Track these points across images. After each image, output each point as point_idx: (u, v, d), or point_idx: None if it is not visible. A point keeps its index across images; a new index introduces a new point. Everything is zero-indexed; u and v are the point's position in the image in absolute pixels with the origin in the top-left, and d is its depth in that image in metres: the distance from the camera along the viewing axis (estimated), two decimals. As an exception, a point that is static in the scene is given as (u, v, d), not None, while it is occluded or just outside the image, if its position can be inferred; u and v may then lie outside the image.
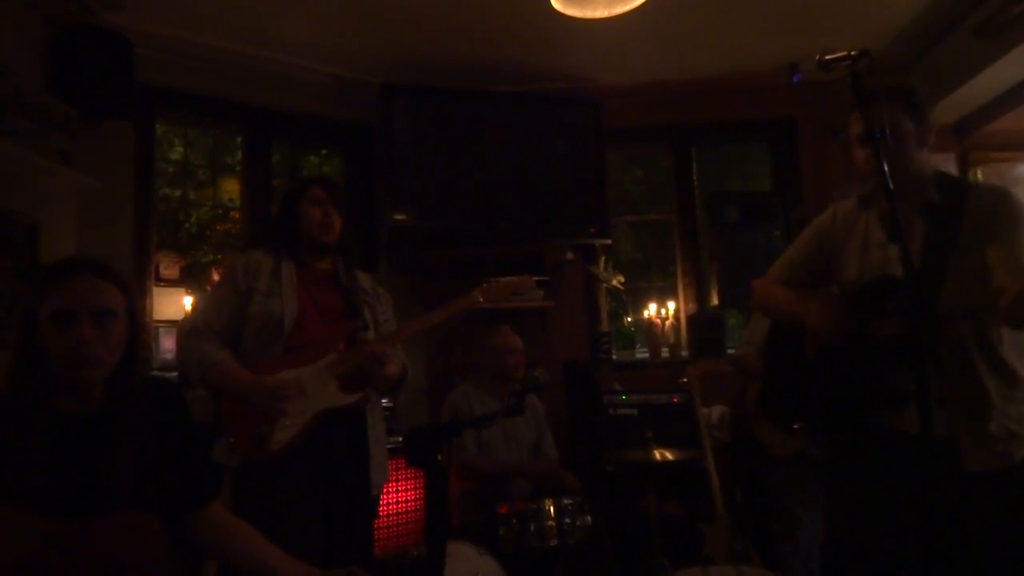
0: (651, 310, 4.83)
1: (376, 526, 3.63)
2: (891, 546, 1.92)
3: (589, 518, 3.05)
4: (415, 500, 3.77)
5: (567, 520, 3.01)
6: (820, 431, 2.81)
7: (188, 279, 4.21)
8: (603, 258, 4.80)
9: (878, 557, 1.94)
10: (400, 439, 3.55)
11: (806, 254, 2.24)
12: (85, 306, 1.51)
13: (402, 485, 3.74)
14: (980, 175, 4.60)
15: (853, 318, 1.93)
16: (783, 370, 2.22)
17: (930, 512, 1.82)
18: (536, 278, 4.29)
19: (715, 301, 4.56)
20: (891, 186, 1.66)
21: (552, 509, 3.01)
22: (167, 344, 3.97)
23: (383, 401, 2.77)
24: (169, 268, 4.12)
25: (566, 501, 3.05)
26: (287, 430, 2.29)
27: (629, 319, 5.08)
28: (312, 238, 2.51)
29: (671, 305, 4.82)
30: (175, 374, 3.83)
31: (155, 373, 3.89)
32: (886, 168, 1.67)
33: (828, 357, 2.01)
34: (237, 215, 4.71)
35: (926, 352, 1.77)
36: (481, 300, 2.58)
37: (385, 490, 3.69)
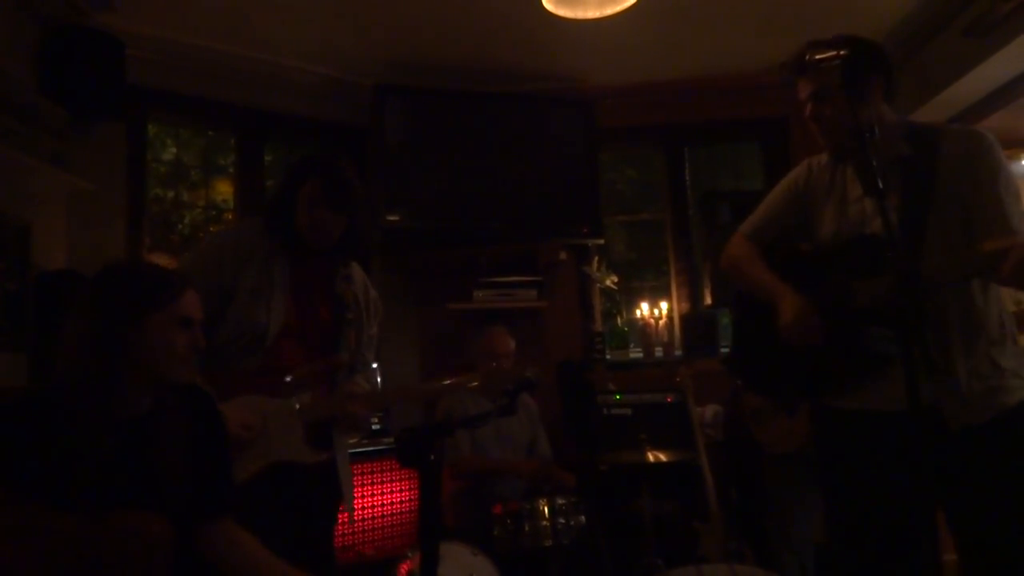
0: (644, 310, 4.84)
1: (370, 527, 3.65)
2: (888, 530, 1.91)
3: (583, 518, 3.06)
4: (409, 501, 3.78)
5: (561, 520, 3.01)
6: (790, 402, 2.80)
7: (181, 281, 4.19)
8: (596, 258, 4.81)
9: (877, 542, 1.92)
10: (392, 439, 3.56)
11: (780, 210, 2.19)
12: (199, 318, 1.70)
13: (395, 486, 3.75)
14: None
15: (826, 322, 1.90)
16: (753, 336, 2.18)
17: (923, 482, 1.79)
18: (526, 279, 4.35)
19: (708, 300, 4.57)
20: (868, 139, 1.64)
21: (546, 509, 3.02)
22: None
23: None
24: (161, 270, 4.11)
25: (560, 501, 3.05)
26: (240, 472, 2.03)
27: (622, 319, 5.07)
28: (304, 239, 2.25)
29: (664, 305, 4.83)
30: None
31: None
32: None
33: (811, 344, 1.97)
34: (230, 216, 4.70)
35: (911, 314, 1.74)
36: (481, 380, 2.39)
37: (378, 491, 3.71)
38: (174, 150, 4.85)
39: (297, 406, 2.15)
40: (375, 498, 3.68)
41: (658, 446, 3.27)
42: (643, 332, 4.82)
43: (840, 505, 2.04)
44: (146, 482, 1.58)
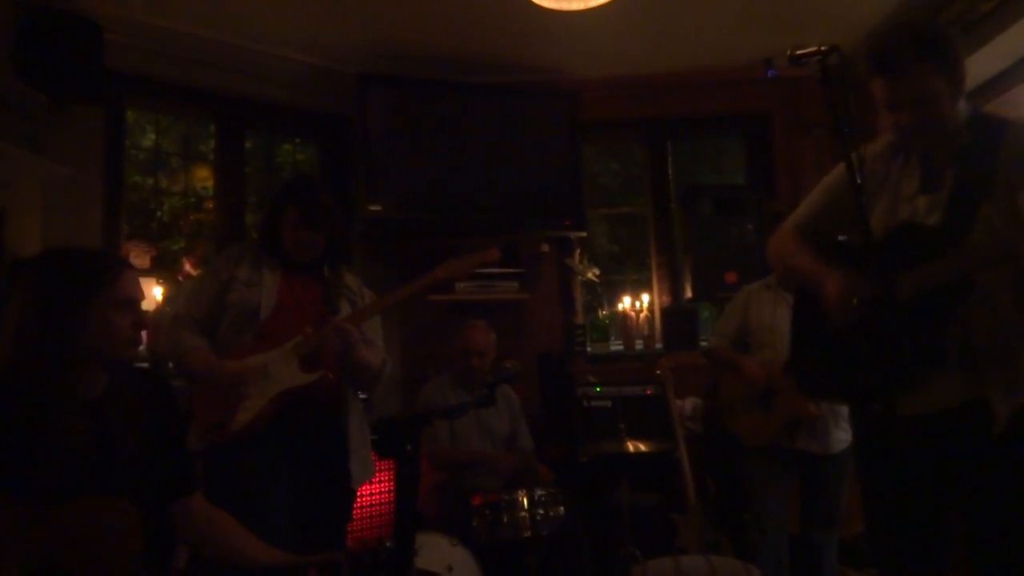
0: (625, 303, 4.85)
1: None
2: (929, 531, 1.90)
3: (562, 509, 3.07)
4: (388, 492, 3.77)
5: (540, 511, 3.02)
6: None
7: (159, 269, 4.15)
8: (578, 251, 4.81)
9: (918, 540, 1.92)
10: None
11: (828, 201, 2.11)
12: (140, 297, 1.71)
13: (375, 477, 3.73)
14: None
15: (867, 291, 1.81)
16: (809, 338, 2.11)
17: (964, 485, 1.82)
18: (508, 271, 4.35)
19: (689, 294, 4.59)
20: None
21: (525, 500, 3.02)
22: (137, 334, 3.92)
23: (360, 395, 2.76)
24: (139, 258, 4.06)
25: (539, 492, 3.05)
26: (247, 411, 2.31)
27: (604, 312, 5.09)
28: (292, 256, 2.52)
29: (645, 298, 4.84)
30: (145, 365, 3.81)
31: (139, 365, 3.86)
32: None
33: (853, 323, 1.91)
34: (210, 204, 4.66)
35: (954, 306, 1.72)
36: (442, 275, 2.57)
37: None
38: (153, 136, 4.80)
39: (291, 345, 2.39)
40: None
41: (637, 438, 3.28)
42: (624, 325, 4.83)
43: (875, 507, 2.04)
44: (106, 464, 1.58)
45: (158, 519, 1.70)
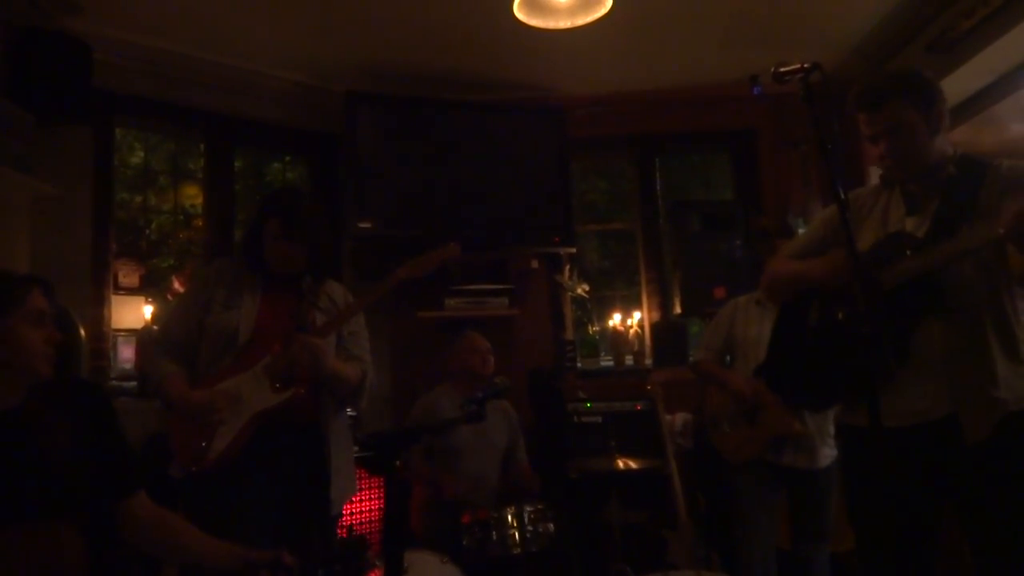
0: (616, 319, 4.86)
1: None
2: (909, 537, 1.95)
3: (552, 526, 3.06)
4: (379, 509, 3.75)
5: (530, 528, 3.01)
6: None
7: (148, 287, 4.14)
8: (568, 267, 4.82)
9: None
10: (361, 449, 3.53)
11: (817, 238, 2.24)
12: (50, 312, 1.73)
13: (364, 495, 3.71)
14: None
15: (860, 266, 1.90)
16: (787, 347, 2.22)
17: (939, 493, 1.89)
18: (498, 287, 4.36)
19: (678, 310, 4.60)
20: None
21: (515, 518, 3.01)
22: (126, 354, 3.91)
23: (348, 411, 2.75)
24: (128, 276, 4.05)
25: (529, 509, 3.05)
26: (223, 438, 2.28)
27: (594, 327, 5.09)
28: (272, 267, 2.50)
29: (636, 314, 4.86)
30: (133, 383, 3.80)
31: (113, 382, 3.84)
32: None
33: (830, 324, 2.04)
34: (199, 222, 4.65)
35: (924, 308, 1.83)
36: (403, 276, 2.58)
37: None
38: (142, 154, 4.80)
39: (261, 366, 2.36)
40: (345, 507, 3.65)
41: (628, 454, 3.28)
42: (614, 341, 4.83)
43: (860, 520, 2.10)
44: (32, 475, 1.57)
45: (102, 533, 1.69)
